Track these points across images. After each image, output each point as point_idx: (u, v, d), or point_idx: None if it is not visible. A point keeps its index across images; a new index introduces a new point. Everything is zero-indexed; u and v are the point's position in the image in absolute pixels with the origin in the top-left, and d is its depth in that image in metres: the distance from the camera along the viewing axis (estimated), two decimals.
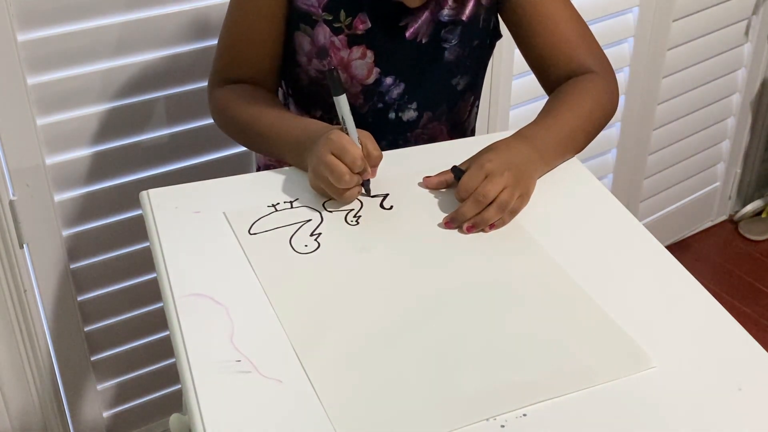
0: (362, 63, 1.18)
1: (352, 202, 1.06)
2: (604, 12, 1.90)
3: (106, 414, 1.70)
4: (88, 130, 1.43)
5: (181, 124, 1.52)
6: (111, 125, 1.45)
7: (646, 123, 2.16)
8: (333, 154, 1.01)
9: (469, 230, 1.02)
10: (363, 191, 1.07)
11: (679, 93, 2.19)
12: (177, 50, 1.45)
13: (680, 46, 2.10)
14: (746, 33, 2.26)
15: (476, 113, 1.33)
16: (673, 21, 2.04)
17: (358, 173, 1.03)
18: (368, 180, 1.06)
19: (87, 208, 1.49)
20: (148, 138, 1.49)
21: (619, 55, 1.98)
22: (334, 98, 1.03)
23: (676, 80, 2.16)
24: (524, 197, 1.06)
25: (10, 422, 1.56)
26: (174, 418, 1.00)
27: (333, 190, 1.04)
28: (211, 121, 1.51)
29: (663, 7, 1.99)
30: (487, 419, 0.79)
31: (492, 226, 1.03)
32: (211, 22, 1.44)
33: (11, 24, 1.28)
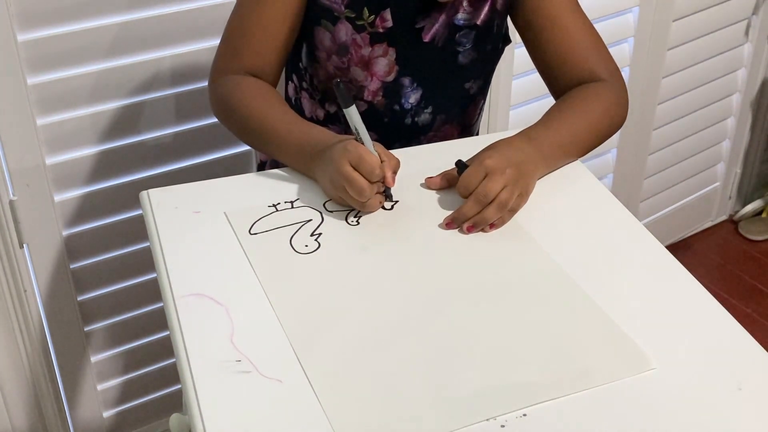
0: (384, 60, 1.18)
1: (374, 211, 1.05)
2: (604, 12, 1.90)
3: (106, 414, 1.70)
4: (88, 130, 1.43)
5: (181, 124, 1.52)
6: (111, 125, 1.45)
7: (646, 123, 2.16)
8: (351, 165, 1.01)
9: (470, 230, 1.02)
10: (385, 201, 1.06)
11: (679, 93, 2.19)
12: (177, 50, 1.45)
13: (680, 46, 2.10)
14: (746, 33, 2.26)
15: (482, 116, 1.33)
16: (673, 21, 2.04)
17: (376, 182, 1.02)
18: (388, 188, 1.05)
19: (87, 208, 1.49)
20: (147, 138, 1.49)
21: (619, 55, 1.97)
22: (344, 110, 1.02)
23: (676, 80, 2.16)
24: (523, 196, 1.06)
25: (10, 422, 1.56)
26: (174, 418, 1.00)
27: (354, 202, 1.03)
28: (211, 120, 1.52)
29: (663, 7, 1.99)
30: (487, 419, 0.79)
31: (492, 226, 1.03)
32: (212, 22, 1.44)
33: (11, 24, 1.28)
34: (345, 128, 1.06)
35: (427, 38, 1.17)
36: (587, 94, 1.18)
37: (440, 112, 1.24)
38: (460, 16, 1.17)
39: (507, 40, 1.27)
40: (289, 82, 1.29)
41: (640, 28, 1.98)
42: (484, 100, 1.31)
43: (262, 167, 1.35)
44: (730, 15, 2.18)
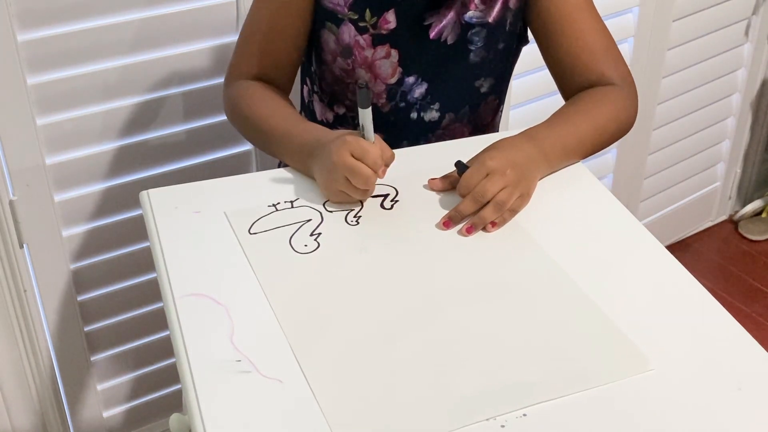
0: (387, 62, 1.18)
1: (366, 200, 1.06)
2: (604, 12, 1.87)
3: (106, 414, 1.70)
4: (88, 130, 1.43)
5: (181, 124, 1.52)
6: (111, 125, 1.45)
7: (646, 123, 2.16)
8: (353, 156, 1.01)
9: (469, 231, 1.02)
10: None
11: (679, 93, 2.19)
12: (177, 50, 1.45)
13: (680, 46, 2.10)
14: (746, 33, 2.26)
15: (500, 116, 1.33)
16: (673, 21, 2.04)
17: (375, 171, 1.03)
18: None
19: (87, 208, 1.49)
20: (148, 138, 1.49)
21: None
22: (360, 110, 1.02)
23: (676, 80, 2.16)
24: (524, 197, 1.06)
25: (10, 422, 1.56)
26: (174, 418, 1.00)
27: (355, 192, 1.04)
28: (211, 120, 1.52)
29: (663, 7, 1.99)
30: (487, 419, 0.79)
31: (494, 225, 1.02)
32: (212, 22, 1.44)
33: (11, 24, 1.28)
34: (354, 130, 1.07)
35: (432, 35, 1.17)
36: (595, 96, 1.17)
37: (449, 109, 1.23)
38: (472, 14, 1.17)
39: (524, 41, 1.27)
40: (303, 85, 1.30)
41: (640, 28, 1.98)
42: (501, 101, 1.30)
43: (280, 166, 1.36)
44: (730, 15, 2.17)
